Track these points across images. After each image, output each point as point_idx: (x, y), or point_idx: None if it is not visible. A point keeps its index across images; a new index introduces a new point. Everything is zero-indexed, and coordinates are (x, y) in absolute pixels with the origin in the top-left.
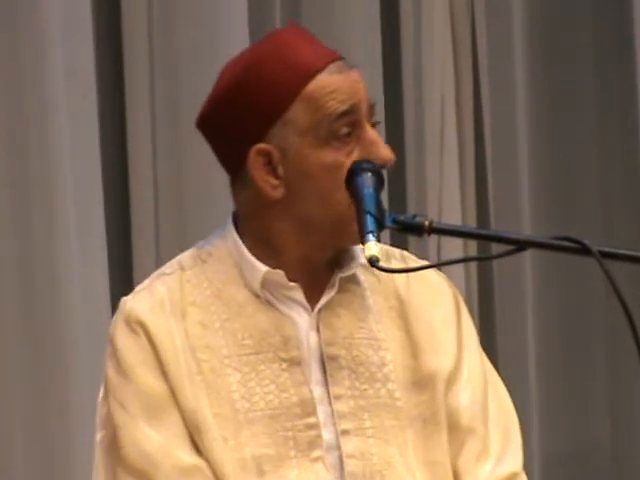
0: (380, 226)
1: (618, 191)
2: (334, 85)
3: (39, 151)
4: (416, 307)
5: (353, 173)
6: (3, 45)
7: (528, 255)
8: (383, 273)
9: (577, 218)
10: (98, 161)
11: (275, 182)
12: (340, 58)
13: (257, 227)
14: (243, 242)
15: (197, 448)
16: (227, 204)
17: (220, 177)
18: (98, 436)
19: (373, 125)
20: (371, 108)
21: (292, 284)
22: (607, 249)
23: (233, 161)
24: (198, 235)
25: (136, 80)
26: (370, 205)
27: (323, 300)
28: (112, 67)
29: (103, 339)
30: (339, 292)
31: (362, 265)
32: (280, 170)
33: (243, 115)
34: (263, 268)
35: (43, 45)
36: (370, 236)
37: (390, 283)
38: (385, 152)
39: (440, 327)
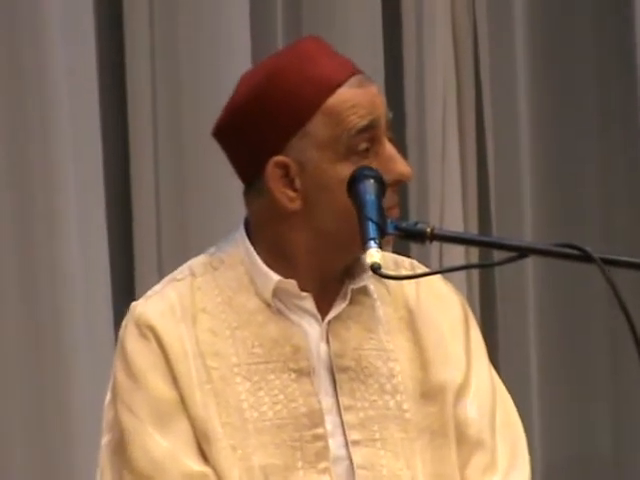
0: (382, 233)
1: (620, 198)
2: (355, 99)
3: (41, 155)
4: (425, 318)
5: (355, 180)
6: (4, 47)
7: (530, 261)
8: (393, 283)
9: (579, 224)
10: (100, 164)
11: (292, 194)
12: (360, 71)
13: (270, 236)
14: (255, 249)
15: (204, 456)
16: (229, 211)
17: (222, 185)
18: (104, 439)
19: (390, 139)
20: (388, 122)
21: (304, 294)
22: (609, 256)
23: (249, 171)
24: (200, 241)
25: (138, 82)
26: (372, 212)
27: (334, 311)
28: (114, 69)
29: (104, 342)
30: (349, 303)
31: (372, 275)
32: (297, 183)
33: (262, 126)
34: (275, 277)
35: (45, 47)
36: (372, 243)
37: (400, 294)
38: (403, 168)
39: (449, 339)
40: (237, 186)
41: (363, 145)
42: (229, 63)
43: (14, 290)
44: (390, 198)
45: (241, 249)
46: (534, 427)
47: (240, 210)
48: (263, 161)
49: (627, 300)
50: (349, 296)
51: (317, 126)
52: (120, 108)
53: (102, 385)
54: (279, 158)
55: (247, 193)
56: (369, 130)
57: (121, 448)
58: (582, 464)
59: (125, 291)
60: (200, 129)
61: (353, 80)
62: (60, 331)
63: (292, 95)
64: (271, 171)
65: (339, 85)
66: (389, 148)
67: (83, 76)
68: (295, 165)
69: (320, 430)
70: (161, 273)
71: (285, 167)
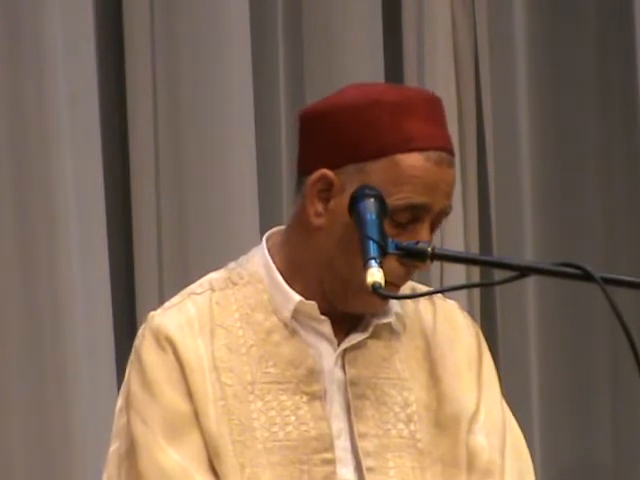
0: (383, 252)
1: (621, 214)
2: (422, 173)
3: (42, 181)
4: (441, 349)
5: (356, 199)
6: (4, 47)
7: (531, 280)
8: (410, 312)
9: (581, 241)
10: (101, 187)
11: (321, 210)
12: (450, 152)
13: (291, 244)
14: (275, 263)
15: (215, 471)
16: (228, 230)
17: (223, 202)
18: (113, 446)
19: (432, 227)
20: (443, 214)
21: (323, 317)
22: (610, 275)
23: (304, 166)
24: (199, 260)
25: (139, 107)
26: (372, 231)
27: (352, 340)
28: (115, 94)
29: (105, 352)
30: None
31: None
32: (331, 204)
33: (335, 137)
34: (296, 297)
35: (44, 72)
36: (372, 262)
37: (417, 323)
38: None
39: (463, 370)
40: (236, 197)
41: (403, 219)
42: (229, 79)
43: (14, 293)
44: (396, 270)
45: (261, 265)
46: (534, 440)
47: (240, 222)
48: (317, 166)
49: (627, 318)
50: (371, 330)
51: (375, 170)
52: (121, 133)
53: (100, 389)
54: (329, 173)
55: (296, 185)
56: (416, 210)
57: (130, 458)
58: (582, 476)
59: (125, 294)
60: (200, 139)
61: (435, 154)
62: (60, 339)
63: (375, 129)
64: (315, 179)
65: (418, 149)
66: (424, 235)
67: (84, 102)
68: (338, 187)
69: (329, 455)
70: (162, 272)
71: (329, 183)
